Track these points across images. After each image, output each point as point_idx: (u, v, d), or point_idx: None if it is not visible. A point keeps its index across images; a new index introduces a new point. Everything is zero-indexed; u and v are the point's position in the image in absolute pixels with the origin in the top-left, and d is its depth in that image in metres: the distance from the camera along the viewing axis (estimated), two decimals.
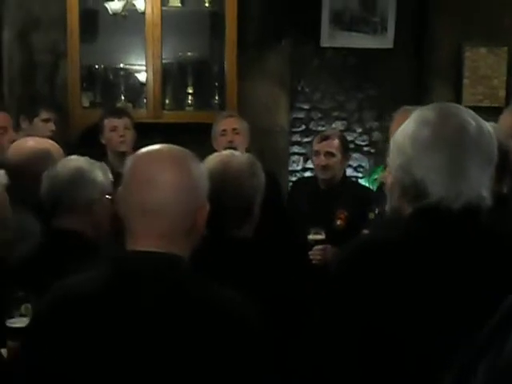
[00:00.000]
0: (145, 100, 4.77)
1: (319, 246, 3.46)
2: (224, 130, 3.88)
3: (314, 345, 1.57)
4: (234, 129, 3.87)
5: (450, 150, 1.54)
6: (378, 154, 5.22)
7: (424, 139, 1.56)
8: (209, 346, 1.42)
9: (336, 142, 3.79)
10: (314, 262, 3.43)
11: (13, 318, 1.97)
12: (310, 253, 3.45)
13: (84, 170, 2.35)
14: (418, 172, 1.55)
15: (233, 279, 1.59)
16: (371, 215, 3.16)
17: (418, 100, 4.78)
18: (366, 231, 2.87)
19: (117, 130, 3.97)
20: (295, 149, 5.33)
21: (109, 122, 4.00)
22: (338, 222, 3.70)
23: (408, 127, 1.62)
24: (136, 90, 4.90)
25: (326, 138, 3.82)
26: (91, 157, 2.50)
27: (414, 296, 1.50)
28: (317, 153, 3.84)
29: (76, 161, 2.40)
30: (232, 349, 1.43)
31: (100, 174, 2.38)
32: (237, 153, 2.20)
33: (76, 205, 2.30)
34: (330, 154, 3.77)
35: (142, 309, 1.44)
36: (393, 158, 1.63)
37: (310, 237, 3.47)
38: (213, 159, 2.11)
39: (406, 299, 1.50)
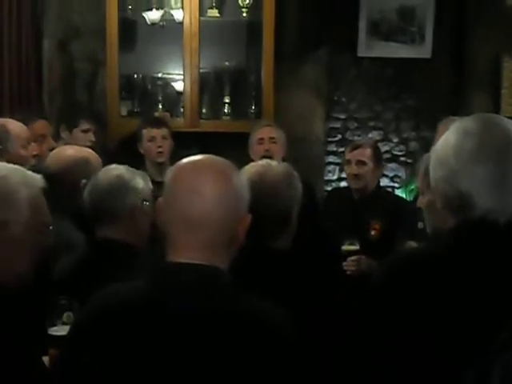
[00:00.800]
0: (182, 109, 4.81)
1: (353, 257, 3.44)
2: (261, 139, 3.89)
3: (354, 354, 1.57)
4: (271, 138, 3.90)
5: (496, 160, 1.52)
6: (415, 165, 5.17)
7: (468, 150, 1.54)
8: (248, 358, 1.42)
9: (368, 150, 3.78)
10: (348, 272, 3.41)
11: (55, 326, 1.99)
12: (344, 263, 3.42)
13: (125, 177, 2.35)
14: (463, 184, 1.53)
15: (270, 290, 1.59)
16: (420, 225, 3.12)
17: (456, 110, 4.74)
18: (412, 242, 2.83)
19: (155, 140, 4.00)
20: (331, 158, 5.31)
21: (147, 132, 4.03)
22: (373, 233, 3.68)
23: (450, 138, 1.59)
24: (173, 100, 4.94)
25: (357, 147, 3.81)
26: (129, 166, 2.52)
27: (458, 310, 1.49)
28: (348, 162, 3.83)
29: (116, 169, 2.41)
30: (270, 362, 1.42)
31: (141, 181, 2.38)
32: (274, 163, 2.18)
33: (118, 213, 2.30)
34: (361, 163, 3.75)
35: (183, 321, 1.44)
36: (434, 171, 1.62)
37: (344, 247, 3.44)
38: (249, 169, 2.10)
39: (449, 313, 1.49)
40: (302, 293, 1.88)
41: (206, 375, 1.42)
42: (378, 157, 3.85)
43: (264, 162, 2.23)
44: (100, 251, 2.28)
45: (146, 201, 2.37)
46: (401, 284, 1.55)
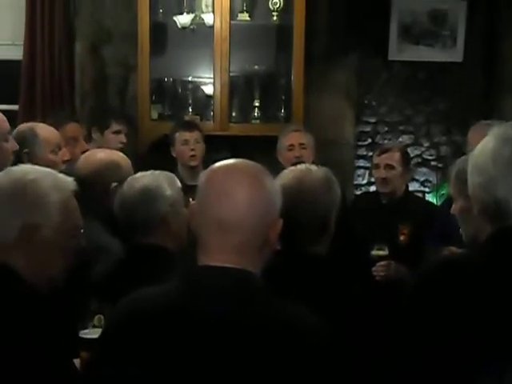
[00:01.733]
0: (212, 113, 4.81)
1: (382, 262, 3.41)
2: (291, 145, 3.88)
3: (390, 360, 1.56)
4: (301, 144, 3.88)
5: None
6: (446, 169, 5.14)
7: (506, 157, 1.52)
8: (279, 364, 1.41)
9: (397, 154, 3.76)
10: (377, 278, 3.39)
11: (86, 329, 2.00)
12: (373, 269, 3.40)
13: (149, 188, 2.33)
14: (500, 191, 1.52)
15: (308, 296, 1.59)
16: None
17: (488, 115, 4.69)
18: (453, 248, 2.81)
19: (188, 143, 4.02)
20: (361, 162, 5.29)
21: (180, 136, 4.05)
22: (402, 238, 3.65)
23: (488, 145, 1.58)
24: (203, 103, 4.95)
25: (386, 151, 3.79)
26: (161, 169, 2.52)
27: (493, 318, 1.47)
28: (377, 166, 3.81)
29: (141, 179, 2.38)
30: (301, 368, 1.42)
31: (167, 186, 2.36)
32: (313, 167, 2.17)
33: (149, 223, 2.30)
34: (389, 167, 3.73)
35: (215, 325, 1.44)
36: (471, 177, 1.60)
37: (373, 252, 3.42)
38: (288, 174, 2.10)
39: (484, 321, 1.47)
40: (339, 299, 1.88)
41: (238, 380, 1.42)
42: (406, 161, 3.82)
43: (303, 166, 2.22)
44: (136, 255, 2.29)
45: (176, 205, 2.36)
46: (437, 291, 1.54)
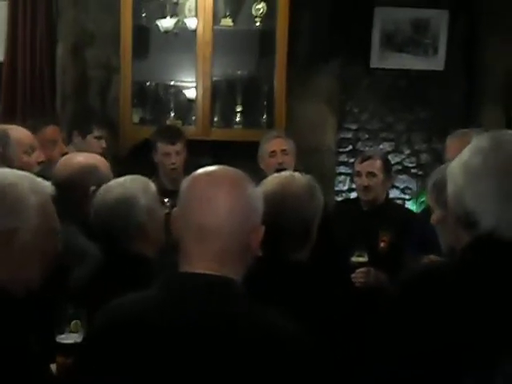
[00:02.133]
0: (194, 117, 4.81)
1: (362, 269, 3.41)
2: (273, 152, 3.87)
3: (368, 366, 1.57)
4: (283, 150, 3.87)
5: (500, 177, 1.53)
6: (426, 177, 5.16)
7: (474, 167, 1.55)
8: (261, 372, 1.41)
9: (378, 162, 3.77)
10: (356, 284, 3.39)
11: (63, 333, 1.99)
12: (352, 275, 3.40)
13: (124, 198, 2.30)
14: (468, 201, 1.54)
15: (289, 302, 1.59)
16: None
17: (469, 123, 4.73)
18: (432, 256, 2.82)
19: (169, 156, 3.99)
20: (342, 169, 5.31)
21: (161, 147, 4.00)
22: (382, 245, 3.66)
23: (463, 156, 1.61)
24: (185, 107, 4.94)
25: (367, 158, 3.80)
26: (141, 173, 2.50)
27: (467, 326, 1.49)
28: (358, 173, 3.82)
29: (115, 190, 2.35)
30: (283, 375, 1.41)
31: (141, 195, 2.33)
32: (297, 174, 2.17)
33: (127, 231, 2.28)
34: (371, 175, 3.75)
35: (193, 332, 1.43)
36: (448, 188, 1.62)
37: (353, 259, 3.41)
38: (272, 180, 2.10)
39: (464, 329, 1.49)
40: (320, 305, 1.88)
41: None
42: (388, 168, 3.84)
43: (287, 173, 2.23)
44: (113, 261, 2.27)
45: (153, 212, 2.34)
46: (417, 300, 1.55)
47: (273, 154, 3.87)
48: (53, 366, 1.89)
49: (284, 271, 1.97)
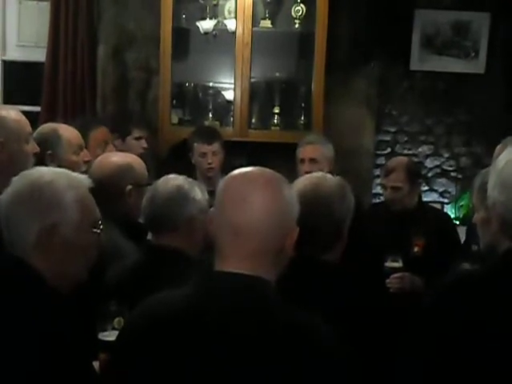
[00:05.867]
0: (232, 118, 4.82)
1: (397, 274, 3.39)
2: (302, 160, 3.85)
3: (403, 373, 1.56)
4: (312, 159, 3.81)
5: None
6: (466, 180, 5.11)
7: None
8: (293, 372, 1.41)
9: (401, 174, 3.71)
10: (391, 290, 3.37)
11: (105, 331, 2.01)
12: (387, 281, 3.38)
13: (184, 188, 2.38)
14: None
15: (318, 302, 1.59)
16: (474, 247, 3.08)
17: (509, 127, 4.66)
18: (466, 264, 2.80)
19: (205, 156, 4.00)
20: (379, 171, 5.27)
21: (198, 147, 4.02)
22: (416, 249, 3.63)
23: None
24: (223, 109, 4.96)
25: (391, 171, 3.75)
26: (180, 173, 2.54)
27: (504, 334, 1.47)
28: (383, 186, 3.80)
29: (176, 180, 2.42)
30: (314, 375, 1.42)
31: (199, 192, 2.40)
32: (328, 175, 2.19)
33: (177, 223, 2.33)
34: (396, 189, 3.71)
35: (227, 331, 1.44)
36: (493, 192, 1.60)
37: (387, 264, 3.39)
38: (303, 181, 2.11)
39: (496, 337, 1.47)
40: (352, 306, 1.87)
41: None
42: (413, 176, 3.76)
43: (319, 174, 2.23)
44: (155, 258, 2.30)
45: (203, 211, 2.38)
46: (452, 305, 1.54)
47: (302, 161, 3.84)
48: (95, 363, 1.89)
49: (314, 271, 1.97)
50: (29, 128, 2.72)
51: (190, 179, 2.47)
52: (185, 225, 2.34)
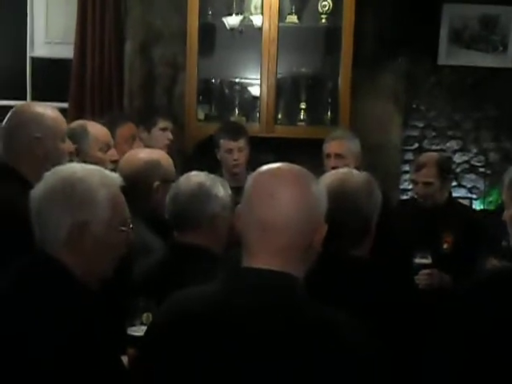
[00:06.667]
0: (258, 114, 4.82)
1: (426, 271, 3.37)
2: (328, 155, 3.83)
3: (432, 369, 1.55)
4: (338, 154, 3.80)
5: None
6: (495, 176, 5.06)
7: None
8: (322, 368, 1.40)
9: (433, 170, 3.69)
10: (420, 286, 3.35)
11: (134, 326, 2.02)
12: (416, 277, 3.36)
13: (206, 185, 2.38)
14: None
15: (349, 298, 1.58)
16: (504, 243, 3.05)
17: None
18: (494, 260, 2.77)
19: (231, 152, 4.00)
20: (407, 167, 5.23)
21: (224, 144, 4.02)
22: (445, 246, 3.61)
23: None
24: (250, 104, 4.96)
25: (422, 167, 3.73)
26: (206, 169, 2.54)
27: None
28: (414, 181, 3.77)
29: (198, 176, 2.43)
30: (344, 372, 1.41)
31: (221, 188, 2.40)
32: (355, 171, 2.18)
33: (200, 220, 2.33)
34: (427, 184, 3.69)
35: (254, 327, 1.44)
36: None
37: (417, 260, 3.38)
38: (330, 177, 2.10)
39: None
40: (381, 302, 1.86)
41: (276, 381, 1.41)
42: (444, 172, 3.75)
43: (346, 169, 2.23)
44: (180, 255, 2.31)
45: (226, 208, 2.38)
46: (484, 303, 1.52)
47: (328, 156, 3.83)
48: (124, 358, 1.91)
49: (343, 267, 1.96)
50: (65, 126, 2.75)
51: (213, 175, 2.47)
52: (207, 222, 2.34)
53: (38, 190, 1.74)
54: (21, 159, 2.56)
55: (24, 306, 1.62)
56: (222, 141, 4.04)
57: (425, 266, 3.37)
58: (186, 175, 2.47)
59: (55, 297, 1.63)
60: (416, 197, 3.85)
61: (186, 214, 2.35)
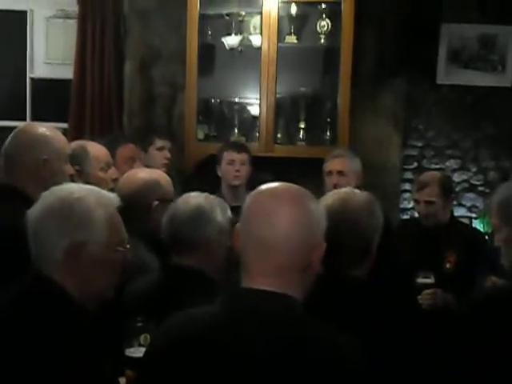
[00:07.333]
0: (257, 134, 4.82)
1: (429, 290, 3.36)
2: (330, 172, 3.83)
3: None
4: (340, 171, 3.80)
5: None
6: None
7: None
8: None
9: (435, 189, 3.67)
10: (423, 306, 3.33)
11: (132, 347, 2.00)
12: (419, 297, 3.34)
13: (204, 208, 2.33)
14: None
15: (348, 319, 1.57)
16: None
17: None
18: (494, 278, 2.76)
19: (233, 164, 4.03)
20: (407, 186, 5.23)
21: (227, 155, 4.06)
22: (448, 266, 3.59)
23: None
24: (249, 124, 4.97)
25: (424, 186, 3.71)
26: (206, 188, 2.53)
27: None
28: (417, 201, 3.76)
29: (196, 198, 2.38)
30: None
31: (220, 212, 2.35)
32: (356, 191, 2.17)
33: (196, 243, 2.29)
34: (430, 203, 3.67)
35: (254, 349, 1.43)
36: None
37: (419, 280, 3.36)
38: (331, 196, 2.09)
39: None
40: (380, 323, 1.85)
41: None
42: (446, 191, 3.73)
43: (348, 189, 2.22)
44: (175, 277, 2.27)
45: (224, 232, 2.34)
46: (487, 323, 1.51)
47: (329, 173, 3.83)
48: (122, 380, 1.89)
49: (342, 286, 1.95)
50: (68, 148, 2.76)
51: (213, 197, 2.43)
52: (204, 245, 2.29)
53: (35, 210, 1.74)
54: (27, 180, 2.56)
55: (21, 329, 1.60)
56: (225, 153, 4.07)
57: (428, 286, 3.36)
58: (184, 196, 2.43)
59: (52, 319, 1.62)
60: (418, 216, 3.84)
61: (182, 237, 2.31)
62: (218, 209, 2.36)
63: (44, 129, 2.68)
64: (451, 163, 5.26)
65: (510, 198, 1.74)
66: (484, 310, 1.55)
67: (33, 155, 2.59)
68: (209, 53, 4.88)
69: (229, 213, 2.41)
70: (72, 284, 1.69)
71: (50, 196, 1.77)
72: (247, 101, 4.95)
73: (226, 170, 4.05)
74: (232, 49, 4.77)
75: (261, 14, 4.68)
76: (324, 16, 4.79)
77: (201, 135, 4.86)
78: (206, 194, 2.43)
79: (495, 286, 2.38)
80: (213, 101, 4.92)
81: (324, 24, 4.80)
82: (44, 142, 2.62)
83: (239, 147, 4.14)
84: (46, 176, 2.57)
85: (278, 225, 1.49)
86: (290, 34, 4.84)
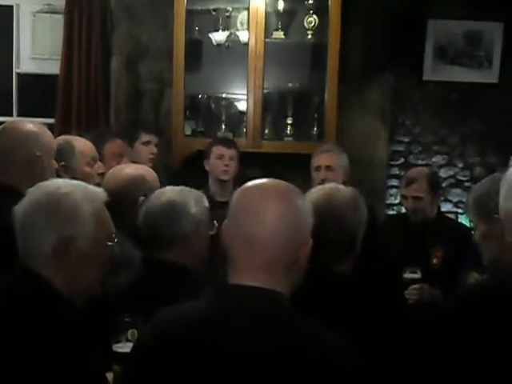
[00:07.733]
0: (244, 129, 4.82)
1: (415, 286, 3.37)
2: (318, 167, 3.84)
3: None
4: (328, 166, 3.82)
5: None
6: None
7: None
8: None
9: (423, 184, 3.69)
10: (410, 301, 3.34)
11: (119, 342, 2.00)
12: (406, 292, 3.35)
13: (175, 202, 2.32)
14: None
15: (332, 314, 1.58)
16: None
17: None
18: (475, 274, 2.77)
19: (223, 158, 4.04)
20: (393, 182, 5.26)
21: (217, 150, 4.06)
22: (435, 261, 3.60)
23: None
24: (236, 120, 4.96)
25: (412, 182, 3.73)
26: (192, 184, 2.52)
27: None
28: (404, 196, 3.77)
29: (169, 192, 2.37)
30: None
31: (193, 204, 2.34)
32: (341, 186, 2.18)
33: (171, 237, 2.28)
34: (417, 199, 3.69)
35: (242, 345, 1.43)
36: (506, 202, 1.58)
37: (406, 275, 3.37)
38: (316, 192, 2.10)
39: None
40: (365, 317, 1.86)
41: None
42: (434, 187, 3.75)
43: (332, 184, 2.23)
44: (156, 271, 2.27)
45: (200, 224, 2.34)
46: (471, 316, 1.52)
47: (318, 168, 3.84)
48: (109, 375, 1.89)
49: (328, 282, 1.96)
50: (55, 144, 2.77)
51: (189, 189, 2.41)
52: (180, 239, 2.29)
53: (22, 206, 1.73)
54: (20, 177, 2.55)
55: (9, 324, 1.60)
56: (214, 148, 4.08)
57: (414, 281, 3.37)
58: (158, 191, 2.43)
59: (40, 314, 1.62)
60: (406, 211, 3.85)
61: (156, 232, 2.30)
62: (191, 201, 2.34)
63: (31, 125, 2.68)
64: (438, 159, 5.28)
65: (486, 195, 1.75)
66: (467, 307, 1.56)
67: (25, 151, 2.60)
68: (196, 48, 4.87)
69: (205, 203, 2.39)
70: (60, 279, 1.68)
71: (37, 191, 1.76)
72: (234, 96, 4.95)
73: (215, 165, 4.05)
74: (219, 44, 4.77)
75: (248, 9, 4.68)
76: (311, 12, 4.80)
77: (188, 131, 4.86)
78: (181, 187, 2.41)
79: (477, 282, 2.40)
80: (200, 96, 4.91)
81: (311, 20, 4.80)
82: (34, 138, 2.62)
83: (229, 143, 4.16)
84: (38, 171, 2.57)
85: (265, 221, 1.50)
86: (277, 29, 4.84)
